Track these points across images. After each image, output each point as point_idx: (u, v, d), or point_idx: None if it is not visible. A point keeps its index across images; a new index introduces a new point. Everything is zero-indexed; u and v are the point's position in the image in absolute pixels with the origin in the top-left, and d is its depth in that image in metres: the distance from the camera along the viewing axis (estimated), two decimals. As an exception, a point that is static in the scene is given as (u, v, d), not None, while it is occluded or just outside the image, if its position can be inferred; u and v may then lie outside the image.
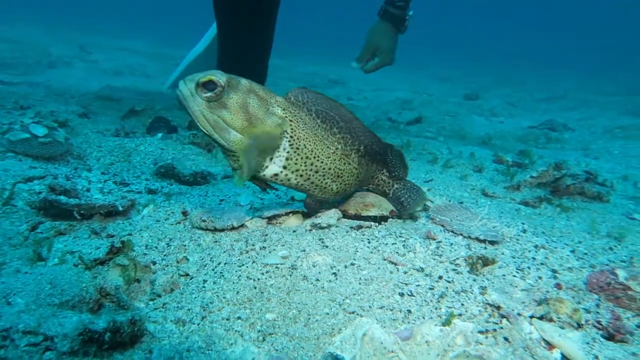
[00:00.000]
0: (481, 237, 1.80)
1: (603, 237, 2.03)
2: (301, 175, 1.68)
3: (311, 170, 1.68)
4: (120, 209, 1.88)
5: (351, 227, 1.83)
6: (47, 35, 10.31)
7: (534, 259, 1.72)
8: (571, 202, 2.54)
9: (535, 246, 1.82)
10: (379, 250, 1.66)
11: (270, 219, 1.86)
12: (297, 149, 1.63)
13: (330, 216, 1.82)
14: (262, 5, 3.57)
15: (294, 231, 1.77)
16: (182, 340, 1.24)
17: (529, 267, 1.65)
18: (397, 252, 1.66)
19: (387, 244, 1.71)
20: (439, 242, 1.76)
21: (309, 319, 1.34)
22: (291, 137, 1.62)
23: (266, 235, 1.73)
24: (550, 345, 1.24)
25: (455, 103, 7.45)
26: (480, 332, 1.29)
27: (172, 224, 1.85)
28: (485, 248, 1.76)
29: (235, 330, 1.29)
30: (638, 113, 7.05)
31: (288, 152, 1.62)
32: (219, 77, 1.48)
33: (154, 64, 9.12)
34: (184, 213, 1.93)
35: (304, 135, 1.64)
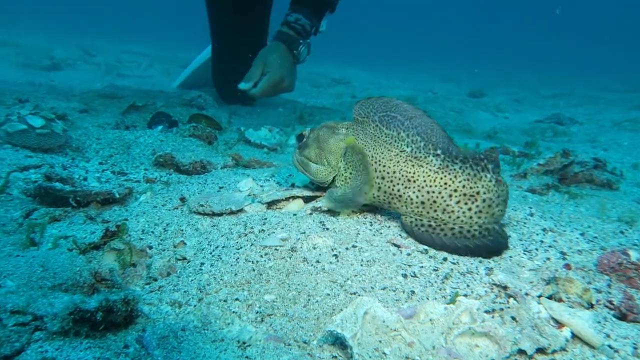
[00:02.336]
0: (487, 221, 1.74)
1: (613, 222, 1.96)
2: (385, 192, 1.61)
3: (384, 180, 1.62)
4: (117, 196, 1.85)
5: (353, 211, 1.78)
6: (49, 40, 10.34)
7: (542, 241, 1.66)
8: (579, 189, 2.48)
9: (543, 229, 1.76)
10: (381, 233, 1.62)
11: (270, 204, 1.82)
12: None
13: (331, 201, 1.77)
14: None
15: (294, 215, 1.72)
16: (177, 321, 1.20)
17: (536, 249, 1.59)
18: (400, 235, 1.61)
19: (389, 226, 1.66)
20: (444, 225, 1.70)
21: (309, 300, 1.29)
22: None
23: (265, 219, 1.68)
24: (559, 324, 1.19)
25: (460, 100, 7.38)
26: (487, 311, 1.24)
27: (169, 210, 1.81)
28: (491, 231, 1.70)
29: (233, 311, 1.25)
30: (647, 108, 6.94)
31: None
32: (306, 129, 1.84)
33: (158, 66, 9.12)
34: (182, 199, 1.89)
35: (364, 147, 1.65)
